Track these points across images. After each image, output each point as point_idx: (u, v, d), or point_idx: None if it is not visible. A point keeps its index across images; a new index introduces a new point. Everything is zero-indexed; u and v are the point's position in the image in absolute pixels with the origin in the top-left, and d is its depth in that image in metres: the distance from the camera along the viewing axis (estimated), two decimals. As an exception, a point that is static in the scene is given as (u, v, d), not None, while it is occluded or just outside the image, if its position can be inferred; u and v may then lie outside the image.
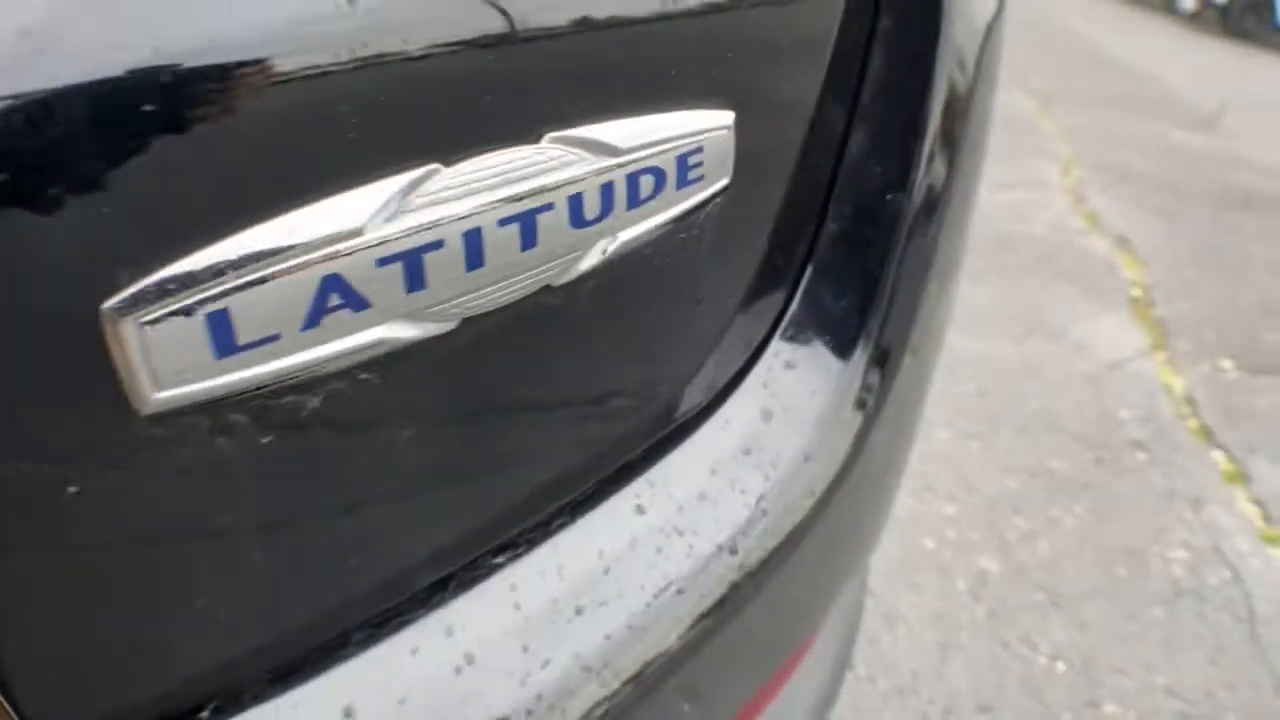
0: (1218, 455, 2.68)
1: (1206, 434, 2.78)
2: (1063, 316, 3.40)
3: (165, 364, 0.31)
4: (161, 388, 0.31)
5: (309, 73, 0.31)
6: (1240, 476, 2.59)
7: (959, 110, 0.61)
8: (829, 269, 0.61)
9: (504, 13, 0.35)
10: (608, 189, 0.41)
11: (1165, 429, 2.78)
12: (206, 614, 0.39)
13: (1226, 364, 3.20)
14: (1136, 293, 3.66)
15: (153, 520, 0.35)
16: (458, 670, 0.44)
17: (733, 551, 0.53)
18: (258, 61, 0.29)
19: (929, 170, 0.60)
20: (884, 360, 0.63)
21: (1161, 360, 3.18)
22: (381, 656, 0.43)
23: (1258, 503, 2.49)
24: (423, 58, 0.33)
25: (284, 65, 0.30)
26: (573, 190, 0.39)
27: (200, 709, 0.39)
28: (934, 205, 0.61)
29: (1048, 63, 7.64)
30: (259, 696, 0.41)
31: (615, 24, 0.39)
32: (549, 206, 0.39)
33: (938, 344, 0.71)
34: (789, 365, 0.60)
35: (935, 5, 0.57)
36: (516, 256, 0.39)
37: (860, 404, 0.61)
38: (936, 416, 2.65)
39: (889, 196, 0.60)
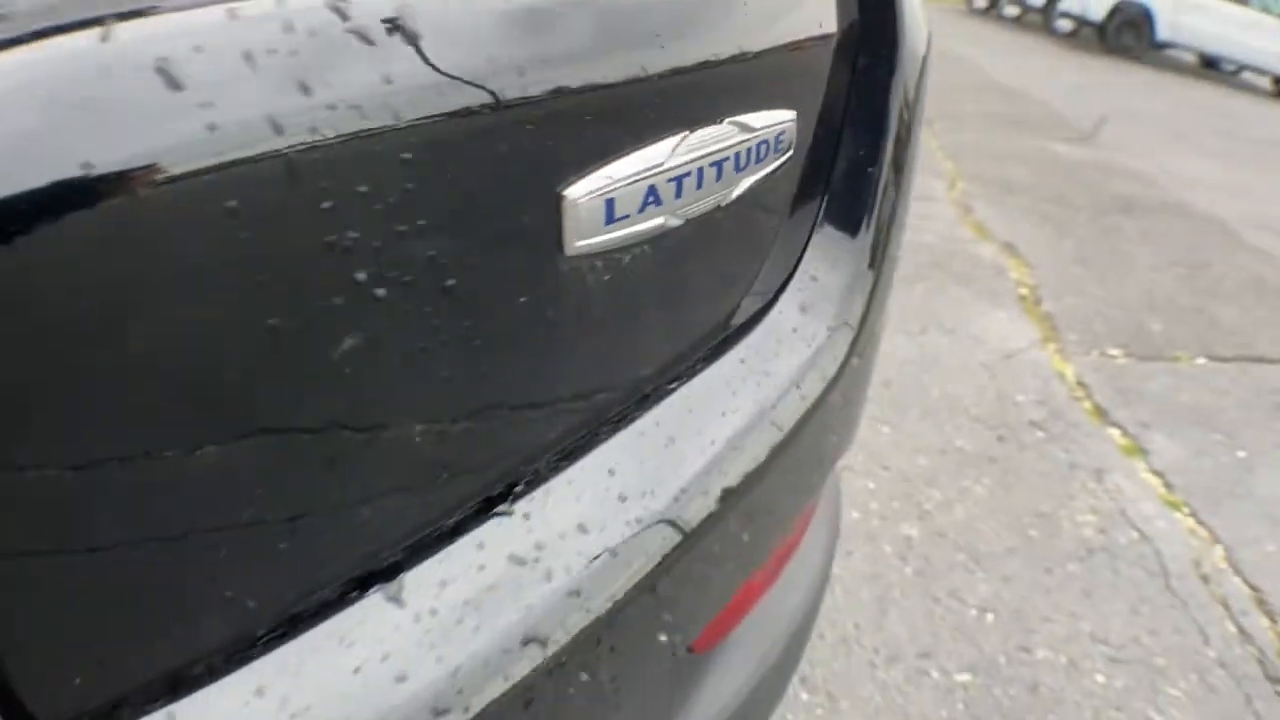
0: (1113, 432, 2.79)
1: (1101, 414, 2.89)
2: (956, 315, 3.50)
3: (583, 226, 0.56)
4: (579, 239, 0.56)
5: (664, 81, 0.60)
6: (1138, 450, 2.70)
7: (906, 109, 0.94)
8: (836, 209, 0.92)
9: (713, 53, 0.64)
10: (749, 150, 0.69)
11: (1061, 410, 2.88)
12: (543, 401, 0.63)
13: (1115, 352, 3.35)
14: (1024, 292, 3.80)
15: (552, 324, 0.59)
16: (665, 446, 0.71)
17: (798, 386, 0.82)
18: (650, 74, 0.59)
19: (893, 147, 0.92)
20: (871, 272, 0.93)
21: (1053, 350, 3.30)
22: (622, 441, 0.69)
23: (1157, 473, 2.59)
24: (685, 73, 0.62)
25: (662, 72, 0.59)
26: (737, 150, 0.67)
27: (509, 491, 0.61)
28: (895, 168, 0.94)
29: (930, 85, 7.92)
30: (554, 470, 0.64)
31: (742, 59, 0.67)
32: (728, 158, 0.66)
33: (896, 265, 1.01)
34: (813, 278, 0.89)
35: (893, 50, 0.91)
36: (713, 185, 0.66)
37: (860, 302, 0.91)
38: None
39: (869, 169, 0.91)
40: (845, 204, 0.92)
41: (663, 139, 0.61)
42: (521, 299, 0.56)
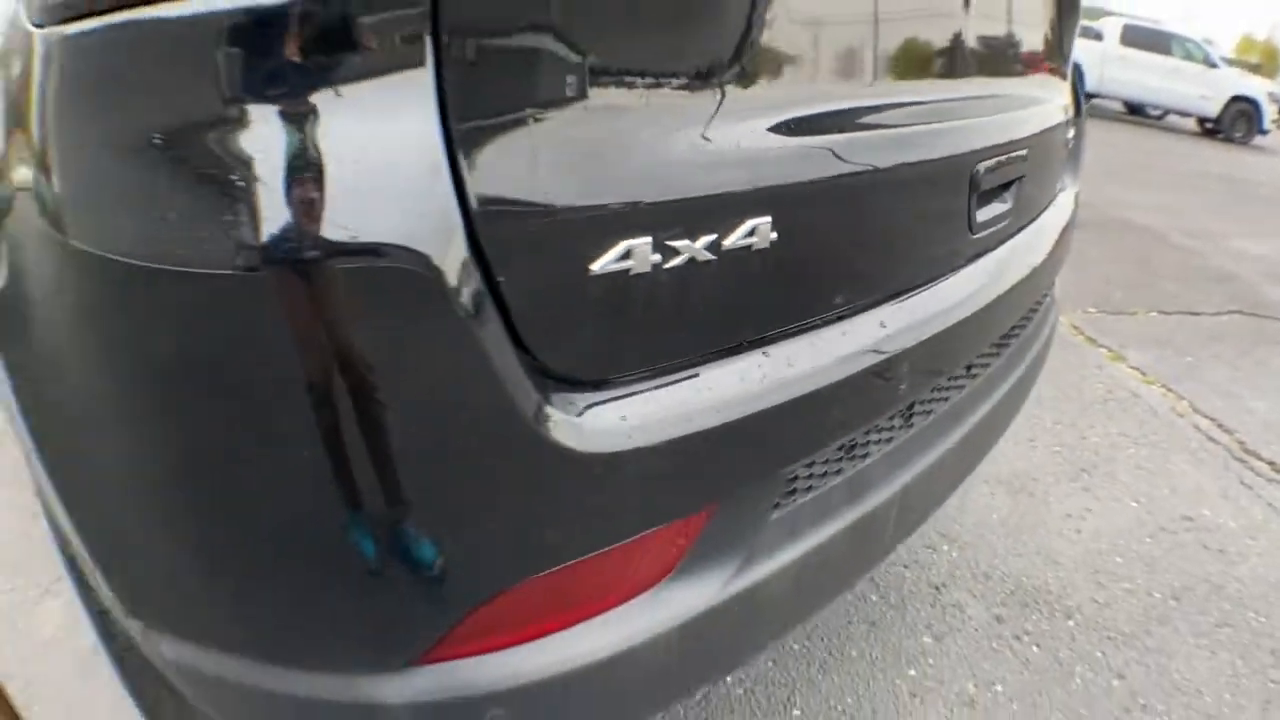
0: (1102, 350, 4.09)
1: (1092, 341, 4.19)
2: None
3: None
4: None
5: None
6: (1120, 358, 4.00)
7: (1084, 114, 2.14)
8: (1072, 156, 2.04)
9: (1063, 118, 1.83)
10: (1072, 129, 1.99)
11: (1067, 339, 4.18)
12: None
13: (1092, 310, 4.67)
14: (1020, 279, 5.13)
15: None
16: (1042, 233, 1.74)
17: (1068, 219, 1.95)
18: None
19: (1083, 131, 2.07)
20: (1076, 181, 2.09)
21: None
22: (1037, 225, 1.73)
23: (1135, 368, 3.89)
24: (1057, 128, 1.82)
25: None
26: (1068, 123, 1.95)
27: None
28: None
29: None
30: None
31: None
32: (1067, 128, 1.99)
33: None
34: (1067, 182, 2.03)
35: (1080, 107, 2.07)
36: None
37: (1075, 189, 2.06)
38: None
39: (1080, 138, 2.07)
40: (1074, 155, 2.07)
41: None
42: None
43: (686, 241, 0.79)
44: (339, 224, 0.61)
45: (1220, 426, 3.40)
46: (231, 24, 0.59)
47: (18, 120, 0.68)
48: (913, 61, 1.14)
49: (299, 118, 0.60)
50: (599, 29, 0.72)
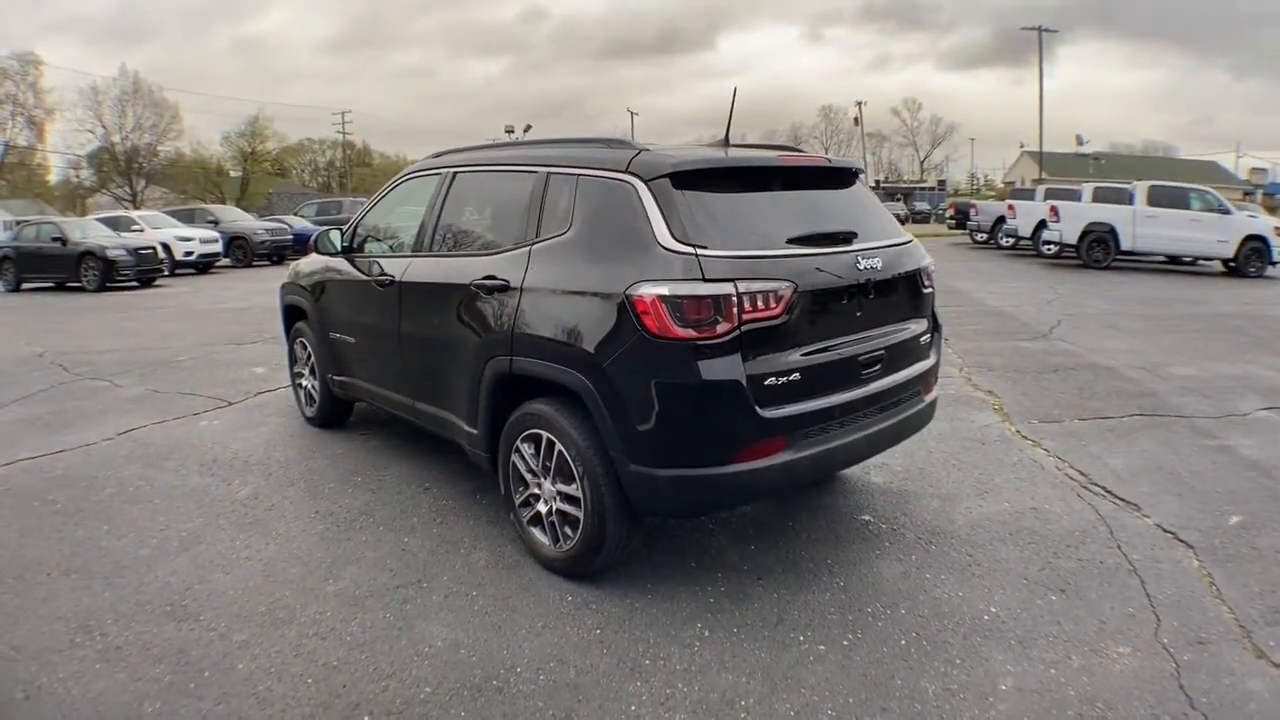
0: (1028, 442, 7.01)
1: (1024, 438, 7.13)
2: (966, 416, 7.81)
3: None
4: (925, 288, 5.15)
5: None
6: (1038, 445, 6.93)
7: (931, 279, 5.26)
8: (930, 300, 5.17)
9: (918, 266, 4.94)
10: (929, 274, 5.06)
11: (1009, 438, 7.14)
12: None
13: (1034, 422, 7.64)
14: (996, 406, 8.14)
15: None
16: (902, 337, 4.94)
17: (922, 331, 5.08)
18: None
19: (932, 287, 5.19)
20: (933, 321, 5.17)
21: (1006, 424, 7.60)
22: (902, 331, 4.93)
23: (1044, 450, 6.82)
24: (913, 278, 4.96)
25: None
26: (929, 271, 5.04)
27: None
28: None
29: (945, 315, 12.55)
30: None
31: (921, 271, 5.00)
32: (928, 277, 5.52)
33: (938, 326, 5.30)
34: (926, 323, 5.13)
35: (926, 267, 5.20)
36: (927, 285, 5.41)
37: (931, 325, 5.12)
38: (923, 449, 7.00)
39: (938, 343, 5.19)
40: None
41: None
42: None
43: (796, 377, 4.12)
44: (719, 375, 3.92)
45: (1080, 472, 6.30)
46: (696, 344, 3.90)
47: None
48: (848, 323, 4.42)
49: (717, 355, 3.92)
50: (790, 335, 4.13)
